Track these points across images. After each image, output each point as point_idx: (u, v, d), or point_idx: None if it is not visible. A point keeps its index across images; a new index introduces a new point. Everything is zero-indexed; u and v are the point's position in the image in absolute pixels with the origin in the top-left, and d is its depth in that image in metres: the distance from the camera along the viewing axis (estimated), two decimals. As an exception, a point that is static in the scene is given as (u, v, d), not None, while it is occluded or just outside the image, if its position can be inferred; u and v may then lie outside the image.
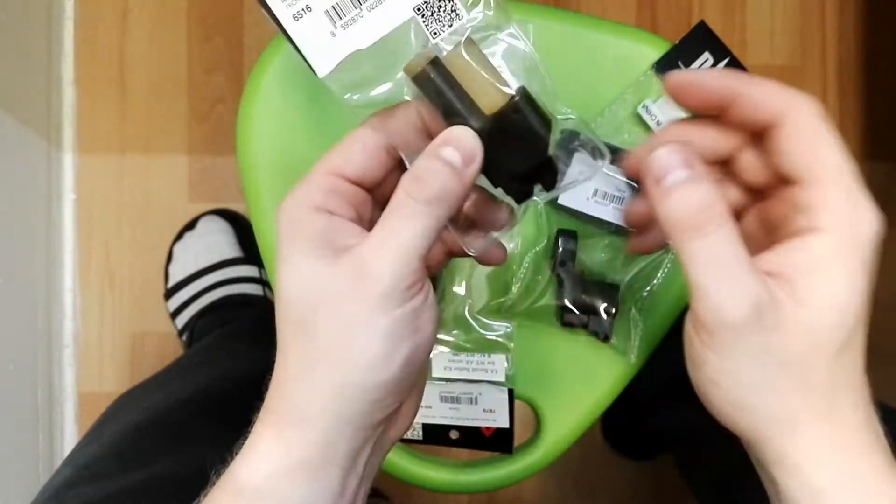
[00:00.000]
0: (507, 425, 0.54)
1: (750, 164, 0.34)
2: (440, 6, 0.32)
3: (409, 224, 0.30)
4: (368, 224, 0.33)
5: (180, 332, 0.95)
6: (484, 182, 0.34)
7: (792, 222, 0.31)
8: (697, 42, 0.53)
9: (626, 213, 0.38)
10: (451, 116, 0.32)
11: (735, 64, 0.53)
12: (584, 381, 0.54)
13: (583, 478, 1.02)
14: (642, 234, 0.38)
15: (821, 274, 0.30)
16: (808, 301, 0.30)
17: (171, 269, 0.97)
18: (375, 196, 0.34)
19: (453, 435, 0.54)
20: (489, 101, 0.32)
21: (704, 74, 0.33)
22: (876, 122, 1.03)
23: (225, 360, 0.74)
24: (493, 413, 0.54)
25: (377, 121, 0.33)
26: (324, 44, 0.33)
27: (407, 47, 0.33)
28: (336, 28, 0.33)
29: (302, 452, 0.31)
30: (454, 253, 0.37)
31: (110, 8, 1.00)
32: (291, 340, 0.31)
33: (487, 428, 0.54)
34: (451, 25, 0.32)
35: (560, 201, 0.52)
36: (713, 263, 0.29)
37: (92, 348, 0.99)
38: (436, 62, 0.31)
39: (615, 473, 1.02)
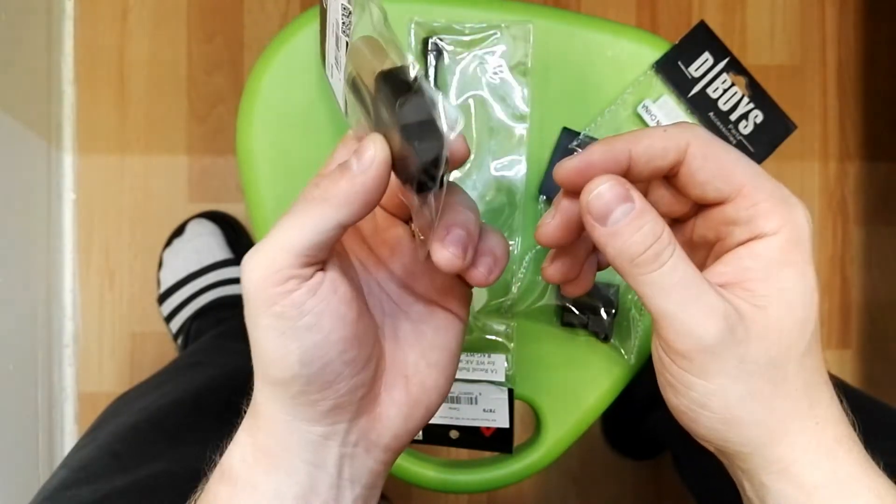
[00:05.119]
0: (507, 425, 0.54)
1: (663, 197, 0.34)
2: (343, 19, 0.32)
3: (290, 220, 0.29)
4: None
5: (175, 336, 0.95)
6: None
7: (729, 236, 0.32)
8: (697, 42, 0.53)
9: (547, 273, 0.35)
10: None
11: (735, 64, 0.53)
12: (583, 381, 0.54)
13: (583, 478, 1.02)
14: (572, 282, 0.36)
15: (777, 275, 0.31)
16: (771, 303, 0.30)
17: (162, 274, 0.96)
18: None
19: (453, 435, 0.54)
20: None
21: (587, 154, 0.31)
22: (876, 123, 1.03)
23: (218, 359, 0.74)
24: (493, 413, 0.54)
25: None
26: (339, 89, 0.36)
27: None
28: (341, 75, 0.34)
29: (262, 440, 0.32)
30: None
31: (110, 8, 1.00)
32: None
33: (487, 428, 0.54)
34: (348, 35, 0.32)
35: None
36: (674, 290, 0.29)
37: (92, 348, 0.99)
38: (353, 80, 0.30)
39: (615, 473, 1.02)
